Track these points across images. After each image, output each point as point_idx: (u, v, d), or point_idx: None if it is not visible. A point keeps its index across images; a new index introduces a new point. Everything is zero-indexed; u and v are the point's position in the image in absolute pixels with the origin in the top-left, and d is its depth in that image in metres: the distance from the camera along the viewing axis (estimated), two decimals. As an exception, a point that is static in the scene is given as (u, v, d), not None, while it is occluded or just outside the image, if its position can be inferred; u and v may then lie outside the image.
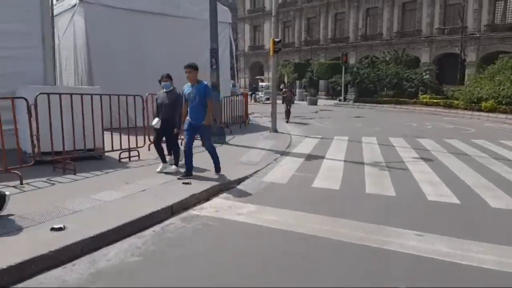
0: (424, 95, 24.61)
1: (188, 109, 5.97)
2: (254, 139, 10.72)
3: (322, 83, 40.65)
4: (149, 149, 7.72)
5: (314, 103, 28.90)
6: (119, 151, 6.93)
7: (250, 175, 6.41)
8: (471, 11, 35.14)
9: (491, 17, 34.06)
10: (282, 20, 51.83)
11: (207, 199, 5.01)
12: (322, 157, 8.33)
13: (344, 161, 7.97)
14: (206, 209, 4.64)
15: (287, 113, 15.94)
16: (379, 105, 25.25)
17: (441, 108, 22.13)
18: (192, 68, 5.87)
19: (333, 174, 6.73)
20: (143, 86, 11.34)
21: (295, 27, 50.06)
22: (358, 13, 43.39)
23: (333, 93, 39.51)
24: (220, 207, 4.73)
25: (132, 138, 7.19)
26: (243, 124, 13.45)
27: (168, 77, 6.27)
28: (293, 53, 49.52)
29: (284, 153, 8.68)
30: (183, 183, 5.36)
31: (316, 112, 22.50)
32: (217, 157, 6.21)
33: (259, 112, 19.85)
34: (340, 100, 28.90)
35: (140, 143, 7.34)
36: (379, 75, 27.08)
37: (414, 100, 24.45)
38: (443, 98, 23.60)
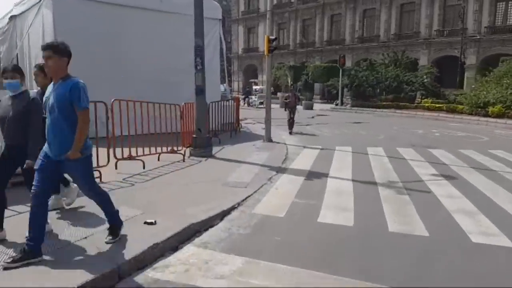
0: (425, 99, 23.44)
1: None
2: (246, 150, 9.36)
3: (317, 86, 39.46)
4: (115, 167, 6.35)
5: (309, 107, 27.63)
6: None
7: (239, 204, 5.04)
8: (472, 13, 34.21)
9: (492, 18, 33.13)
10: (276, 21, 50.58)
11: (176, 248, 3.62)
12: (326, 175, 6.99)
13: (353, 180, 6.63)
14: (172, 267, 3.25)
15: (291, 122, 13.22)
16: (378, 109, 24.04)
17: (444, 113, 20.96)
18: (54, 51, 3.16)
19: (343, 201, 5.39)
20: (120, 89, 10.01)
21: (290, 29, 48.91)
22: (354, 15, 42.34)
23: (328, 97, 38.36)
24: (193, 262, 3.35)
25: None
26: (234, 132, 12.10)
27: (16, 71, 3.54)
28: (288, 56, 48.36)
29: (280, 170, 7.33)
30: (145, 222, 3.96)
31: (313, 117, 21.21)
32: (112, 210, 3.61)
33: (252, 117, 18.52)
34: (336, 104, 27.67)
35: (103, 161, 5.93)
36: (378, 78, 25.89)
37: (415, 104, 23.27)
38: (446, 102, 22.44)
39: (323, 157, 8.89)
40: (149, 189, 5.49)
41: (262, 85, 48.90)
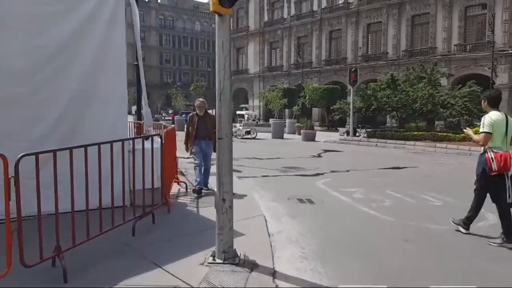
0: (477, 128, 16.70)
1: None
2: None
3: (315, 111, 33.09)
4: None
5: (311, 138, 20.79)
6: None
7: None
8: (500, 23, 28.43)
9: (527, 28, 27.23)
10: (268, 40, 45.15)
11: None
12: None
13: None
14: None
15: None
16: (407, 142, 17.22)
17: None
18: None
19: None
20: None
21: (283, 48, 43.17)
22: (357, 30, 36.64)
23: (329, 124, 31.83)
24: None
25: None
26: (160, 214, 5.02)
27: None
28: (281, 78, 42.39)
29: None
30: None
31: (319, 155, 14.29)
32: None
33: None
34: (347, 134, 20.86)
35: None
36: (403, 99, 19.16)
37: (462, 135, 16.47)
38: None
39: None
40: None
41: (254, 110, 42.27)
